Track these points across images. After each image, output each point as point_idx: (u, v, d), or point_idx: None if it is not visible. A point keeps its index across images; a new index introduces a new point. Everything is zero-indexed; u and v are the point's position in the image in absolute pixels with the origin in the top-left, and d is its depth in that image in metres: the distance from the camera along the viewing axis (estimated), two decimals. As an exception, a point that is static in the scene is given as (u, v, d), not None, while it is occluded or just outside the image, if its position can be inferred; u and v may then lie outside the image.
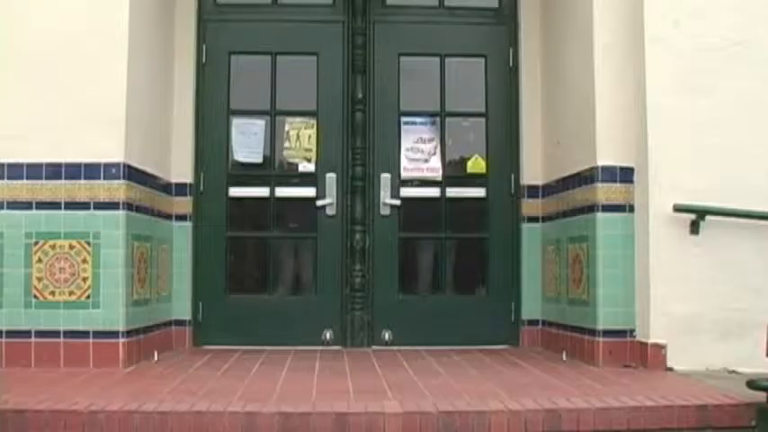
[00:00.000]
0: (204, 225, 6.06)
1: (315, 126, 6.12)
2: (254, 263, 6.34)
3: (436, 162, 6.18)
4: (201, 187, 6.06)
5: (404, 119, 6.19)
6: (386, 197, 6.07)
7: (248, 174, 6.16)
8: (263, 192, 6.10)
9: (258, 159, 6.14)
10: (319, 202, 6.05)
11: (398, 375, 4.66)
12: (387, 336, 6.01)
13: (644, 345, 4.89)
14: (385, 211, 6.08)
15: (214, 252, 6.06)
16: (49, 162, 4.85)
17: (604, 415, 3.70)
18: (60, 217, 4.86)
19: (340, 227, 6.07)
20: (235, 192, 6.11)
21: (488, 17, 6.32)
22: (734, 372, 4.63)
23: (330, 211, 6.06)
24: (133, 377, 4.57)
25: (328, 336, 5.99)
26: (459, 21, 6.29)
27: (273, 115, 6.15)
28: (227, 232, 6.08)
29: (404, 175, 6.15)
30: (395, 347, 5.90)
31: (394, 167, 6.13)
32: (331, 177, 6.05)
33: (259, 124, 6.14)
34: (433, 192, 6.18)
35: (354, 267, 6.07)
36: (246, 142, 6.13)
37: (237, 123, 6.14)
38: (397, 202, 6.10)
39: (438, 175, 6.17)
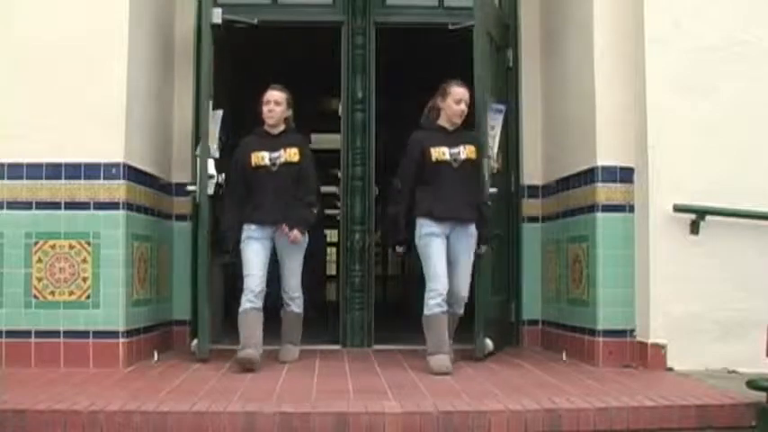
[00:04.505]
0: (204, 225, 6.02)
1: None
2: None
3: None
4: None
5: None
6: None
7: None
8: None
9: None
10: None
11: (398, 375, 4.66)
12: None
13: (644, 345, 4.89)
14: None
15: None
16: (49, 162, 4.85)
17: (604, 415, 3.71)
18: (60, 217, 4.86)
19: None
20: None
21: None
22: (734, 372, 4.63)
23: None
24: (133, 377, 4.57)
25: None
26: (459, 20, 6.27)
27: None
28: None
29: None
30: (394, 347, 5.90)
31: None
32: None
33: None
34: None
35: (354, 267, 6.06)
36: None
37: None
38: None
39: None
